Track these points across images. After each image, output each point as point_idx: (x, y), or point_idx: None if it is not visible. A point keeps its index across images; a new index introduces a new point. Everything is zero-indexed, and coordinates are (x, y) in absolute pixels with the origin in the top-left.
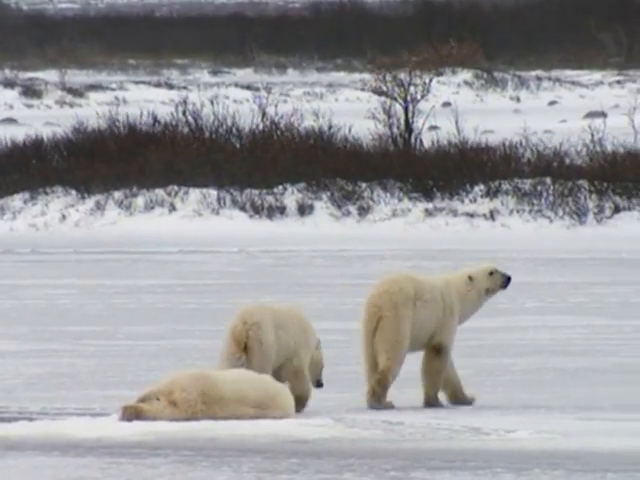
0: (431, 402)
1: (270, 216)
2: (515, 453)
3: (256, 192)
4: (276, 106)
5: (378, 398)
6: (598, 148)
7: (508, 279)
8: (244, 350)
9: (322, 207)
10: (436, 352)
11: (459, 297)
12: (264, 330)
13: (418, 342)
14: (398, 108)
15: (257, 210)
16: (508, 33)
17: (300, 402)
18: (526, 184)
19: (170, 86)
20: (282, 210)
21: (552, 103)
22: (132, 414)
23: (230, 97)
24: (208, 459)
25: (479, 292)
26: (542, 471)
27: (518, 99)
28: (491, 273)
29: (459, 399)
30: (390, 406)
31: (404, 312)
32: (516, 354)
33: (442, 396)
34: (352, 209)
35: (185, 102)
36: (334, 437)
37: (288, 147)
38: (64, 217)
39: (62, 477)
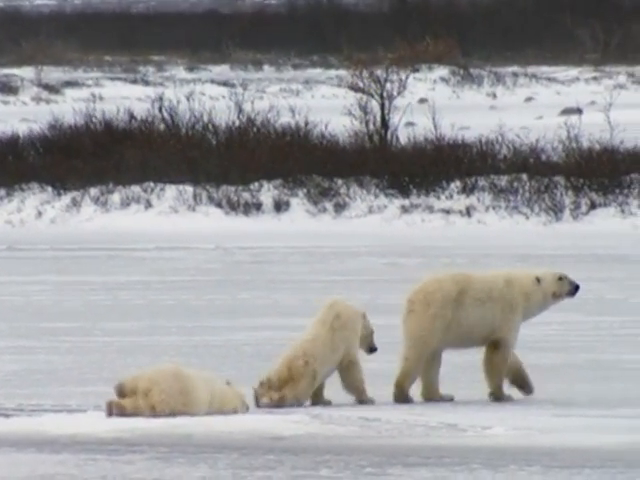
0: (497, 396)
1: (246, 212)
2: (491, 449)
3: (232, 189)
4: (252, 103)
5: (399, 395)
6: (574, 144)
7: (576, 288)
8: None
9: (298, 203)
10: (494, 347)
11: (523, 295)
12: (319, 363)
13: (475, 340)
14: (374, 104)
15: (233, 207)
16: (484, 29)
17: (358, 391)
18: (502, 180)
19: (146, 83)
20: (258, 206)
21: (528, 99)
22: (115, 410)
23: (206, 94)
24: (184, 455)
25: (545, 294)
26: (519, 467)
27: (494, 95)
28: (560, 278)
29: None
30: (410, 400)
31: (437, 311)
32: None
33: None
34: (328, 206)
35: (161, 99)
36: (310, 433)
37: (264, 144)
38: (40, 214)
39: (38, 473)
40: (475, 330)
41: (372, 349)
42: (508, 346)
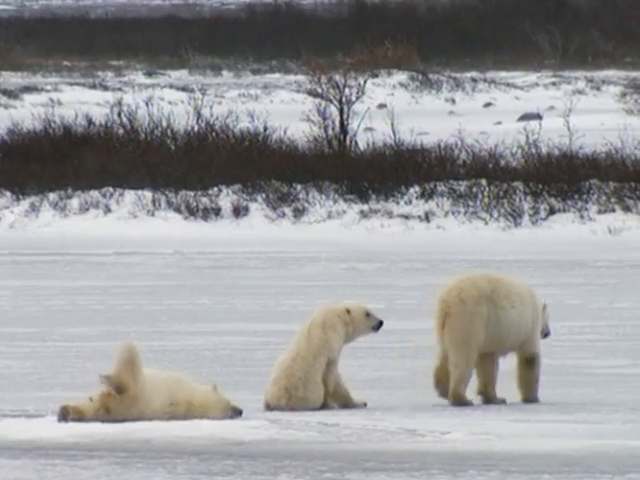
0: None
1: (205, 218)
2: (450, 454)
3: (191, 194)
4: (211, 108)
5: (458, 403)
6: (533, 150)
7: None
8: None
9: (257, 209)
10: (529, 363)
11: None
12: (302, 384)
13: (507, 345)
14: (333, 110)
15: (192, 212)
16: (443, 35)
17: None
18: (461, 186)
19: (105, 88)
20: (217, 212)
21: (487, 105)
22: (68, 415)
23: (165, 98)
24: (143, 460)
25: (543, 323)
26: (477, 472)
27: (453, 101)
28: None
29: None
30: (470, 403)
31: (474, 309)
32: None
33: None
34: (287, 211)
35: (120, 104)
36: (269, 438)
37: (223, 149)
38: None
39: None
40: (510, 335)
41: (374, 327)
42: (540, 362)
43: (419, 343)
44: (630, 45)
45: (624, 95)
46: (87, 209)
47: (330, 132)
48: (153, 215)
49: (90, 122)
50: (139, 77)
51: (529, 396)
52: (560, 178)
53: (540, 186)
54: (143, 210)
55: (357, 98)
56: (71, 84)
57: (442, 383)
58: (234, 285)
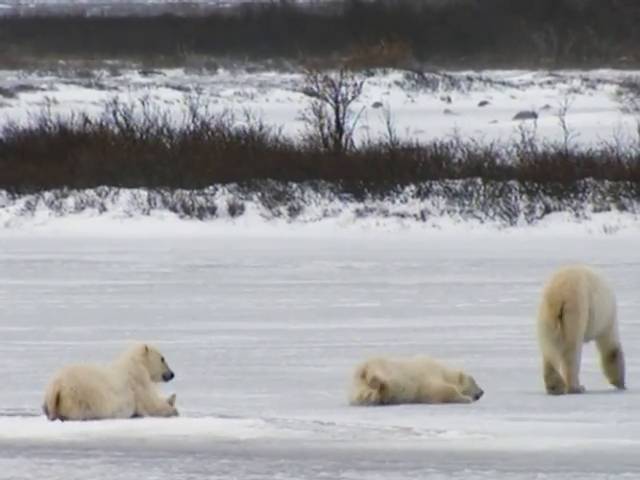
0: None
1: (201, 216)
2: (446, 453)
3: (187, 192)
4: (206, 106)
5: (576, 388)
6: (529, 148)
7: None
8: None
9: (253, 207)
10: (613, 356)
11: None
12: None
13: (594, 332)
14: (329, 108)
15: (188, 210)
16: (439, 33)
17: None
18: (457, 184)
19: (100, 86)
20: (213, 210)
21: (483, 103)
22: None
23: (161, 97)
24: (139, 459)
25: None
26: (473, 471)
27: (449, 99)
28: None
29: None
30: (584, 390)
31: (583, 304)
32: (447, 354)
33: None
34: (283, 209)
35: (115, 102)
36: (265, 437)
37: (219, 147)
38: None
39: None
40: (599, 322)
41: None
42: (622, 354)
43: (414, 341)
44: (625, 44)
45: (619, 94)
46: (83, 208)
47: (326, 131)
48: (149, 214)
49: (86, 121)
50: (135, 76)
51: (617, 384)
52: (556, 177)
53: (536, 185)
54: (139, 209)
55: (353, 97)
56: (67, 83)
57: (558, 380)
58: (229, 284)
